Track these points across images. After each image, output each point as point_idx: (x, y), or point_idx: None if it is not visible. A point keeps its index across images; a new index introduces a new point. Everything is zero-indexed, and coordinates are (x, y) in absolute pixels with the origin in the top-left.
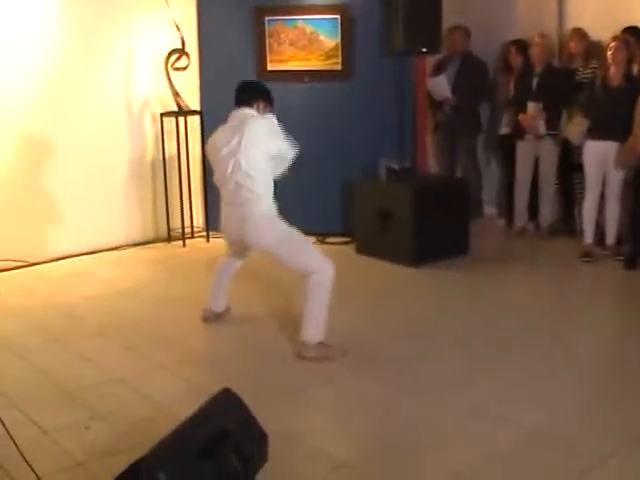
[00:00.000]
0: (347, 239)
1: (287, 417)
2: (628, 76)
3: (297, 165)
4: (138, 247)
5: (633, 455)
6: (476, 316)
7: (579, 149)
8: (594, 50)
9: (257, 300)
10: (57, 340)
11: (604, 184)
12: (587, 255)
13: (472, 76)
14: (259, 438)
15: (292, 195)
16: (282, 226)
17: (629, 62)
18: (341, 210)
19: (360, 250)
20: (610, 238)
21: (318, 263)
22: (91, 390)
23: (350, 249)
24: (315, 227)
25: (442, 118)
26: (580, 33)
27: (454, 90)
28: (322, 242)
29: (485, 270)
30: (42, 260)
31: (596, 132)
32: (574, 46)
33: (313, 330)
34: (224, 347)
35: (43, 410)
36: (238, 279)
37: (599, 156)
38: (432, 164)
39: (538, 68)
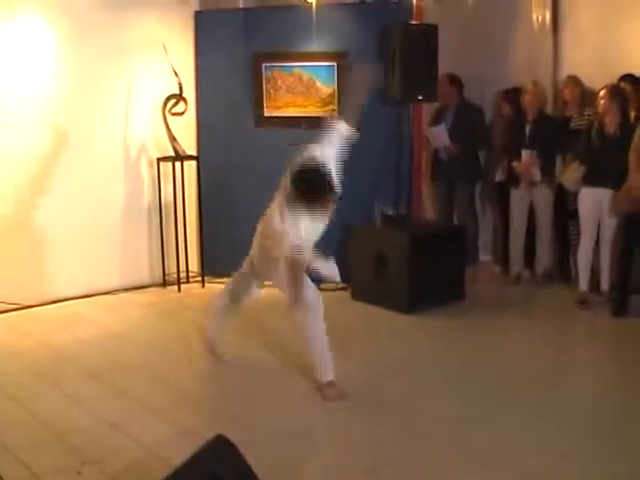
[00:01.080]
0: (343, 285)
1: (283, 463)
2: (624, 124)
3: None
4: (133, 291)
5: None
6: (471, 363)
7: (574, 195)
8: (588, 98)
9: (251, 342)
10: (49, 383)
11: (599, 231)
12: (582, 302)
13: (469, 123)
14: None
15: None
16: None
17: (625, 109)
18: (338, 257)
19: (355, 296)
20: (605, 284)
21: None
22: (83, 434)
23: (346, 295)
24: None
25: (440, 166)
26: (574, 81)
27: (451, 138)
28: (318, 288)
29: (480, 317)
30: (36, 303)
31: (592, 179)
32: (568, 94)
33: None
34: (217, 391)
35: (35, 453)
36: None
37: (594, 203)
38: (429, 210)
39: (531, 116)
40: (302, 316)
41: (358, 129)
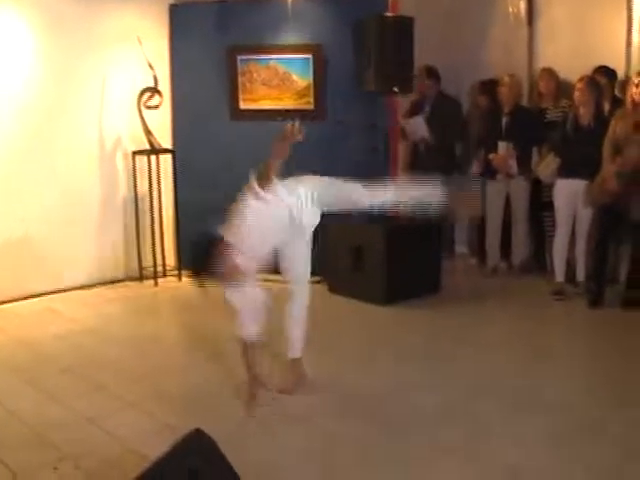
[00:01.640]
0: (319, 278)
1: (260, 457)
2: (598, 116)
3: None
4: (109, 286)
5: None
6: (449, 354)
7: (550, 187)
8: (564, 90)
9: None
10: (25, 379)
11: (574, 222)
12: (558, 293)
13: (447, 115)
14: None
15: None
16: None
17: (599, 101)
18: (314, 249)
19: (332, 289)
20: (580, 275)
21: None
22: (59, 430)
23: (322, 288)
24: None
25: (417, 158)
26: (550, 73)
27: (429, 130)
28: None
29: (457, 308)
30: (11, 298)
31: (567, 171)
32: (544, 86)
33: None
34: (194, 386)
35: (11, 450)
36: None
37: (569, 194)
38: None
39: (507, 108)
40: None
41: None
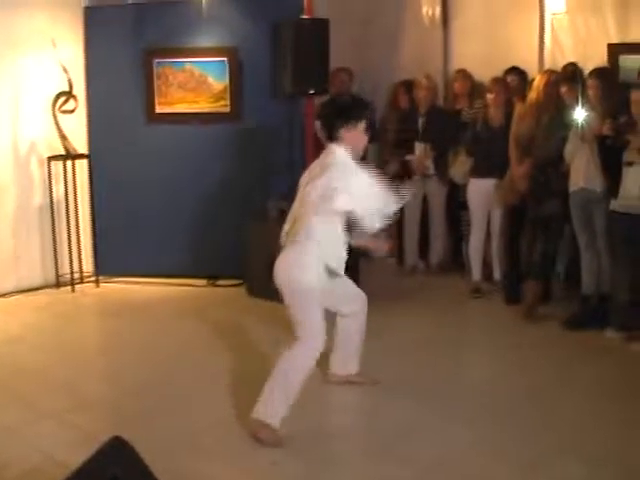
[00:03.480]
0: (239, 281)
1: (181, 465)
2: (509, 116)
3: (188, 207)
4: (26, 294)
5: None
6: (368, 356)
7: (464, 187)
8: (478, 90)
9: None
10: None
11: (489, 221)
12: (476, 291)
13: None
14: None
15: (183, 237)
16: None
17: (509, 101)
18: (233, 253)
19: (251, 292)
20: (496, 273)
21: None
22: None
23: (242, 291)
24: (207, 270)
25: None
26: (464, 74)
27: None
28: (213, 285)
29: (376, 309)
30: None
31: (479, 171)
32: (459, 87)
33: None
34: (116, 393)
35: None
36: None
37: (482, 194)
38: None
39: (423, 109)
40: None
41: None
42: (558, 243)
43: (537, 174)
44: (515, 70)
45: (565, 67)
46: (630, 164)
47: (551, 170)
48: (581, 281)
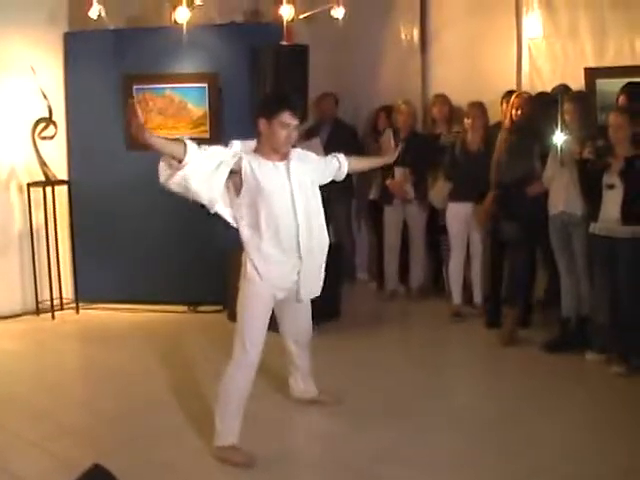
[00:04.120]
0: (220, 307)
1: None
2: (487, 140)
3: (169, 233)
4: (5, 320)
5: None
6: (348, 379)
7: (444, 212)
8: (457, 115)
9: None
10: None
11: (469, 245)
12: (456, 315)
13: (343, 141)
14: None
15: (164, 264)
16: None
17: (487, 126)
18: (215, 279)
19: (232, 318)
20: (477, 297)
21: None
22: None
23: (222, 317)
24: (189, 296)
25: None
26: (443, 99)
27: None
28: (194, 311)
29: (356, 334)
30: None
31: (457, 195)
32: (437, 111)
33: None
34: (96, 422)
35: None
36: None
37: (461, 218)
38: None
39: (403, 134)
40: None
41: None
42: (526, 267)
43: (499, 197)
44: (511, 94)
45: (555, 89)
46: (610, 187)
47: (513, 193)
48: (560, 304)
